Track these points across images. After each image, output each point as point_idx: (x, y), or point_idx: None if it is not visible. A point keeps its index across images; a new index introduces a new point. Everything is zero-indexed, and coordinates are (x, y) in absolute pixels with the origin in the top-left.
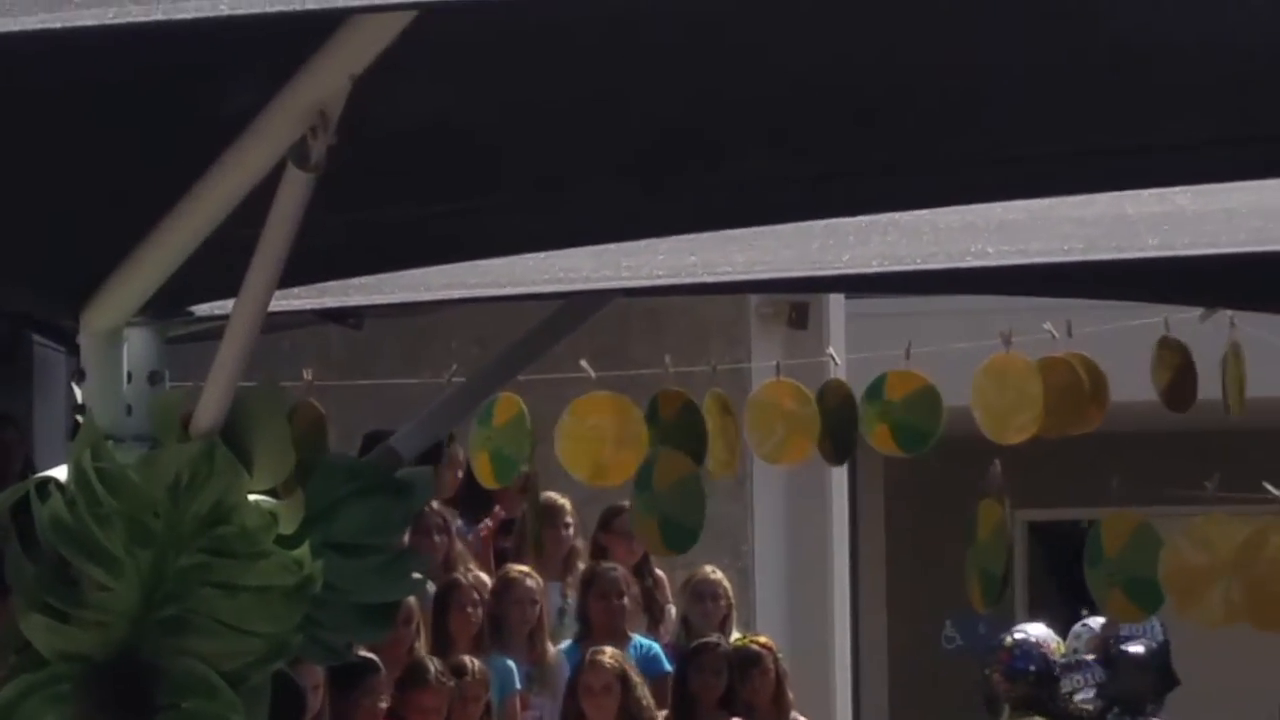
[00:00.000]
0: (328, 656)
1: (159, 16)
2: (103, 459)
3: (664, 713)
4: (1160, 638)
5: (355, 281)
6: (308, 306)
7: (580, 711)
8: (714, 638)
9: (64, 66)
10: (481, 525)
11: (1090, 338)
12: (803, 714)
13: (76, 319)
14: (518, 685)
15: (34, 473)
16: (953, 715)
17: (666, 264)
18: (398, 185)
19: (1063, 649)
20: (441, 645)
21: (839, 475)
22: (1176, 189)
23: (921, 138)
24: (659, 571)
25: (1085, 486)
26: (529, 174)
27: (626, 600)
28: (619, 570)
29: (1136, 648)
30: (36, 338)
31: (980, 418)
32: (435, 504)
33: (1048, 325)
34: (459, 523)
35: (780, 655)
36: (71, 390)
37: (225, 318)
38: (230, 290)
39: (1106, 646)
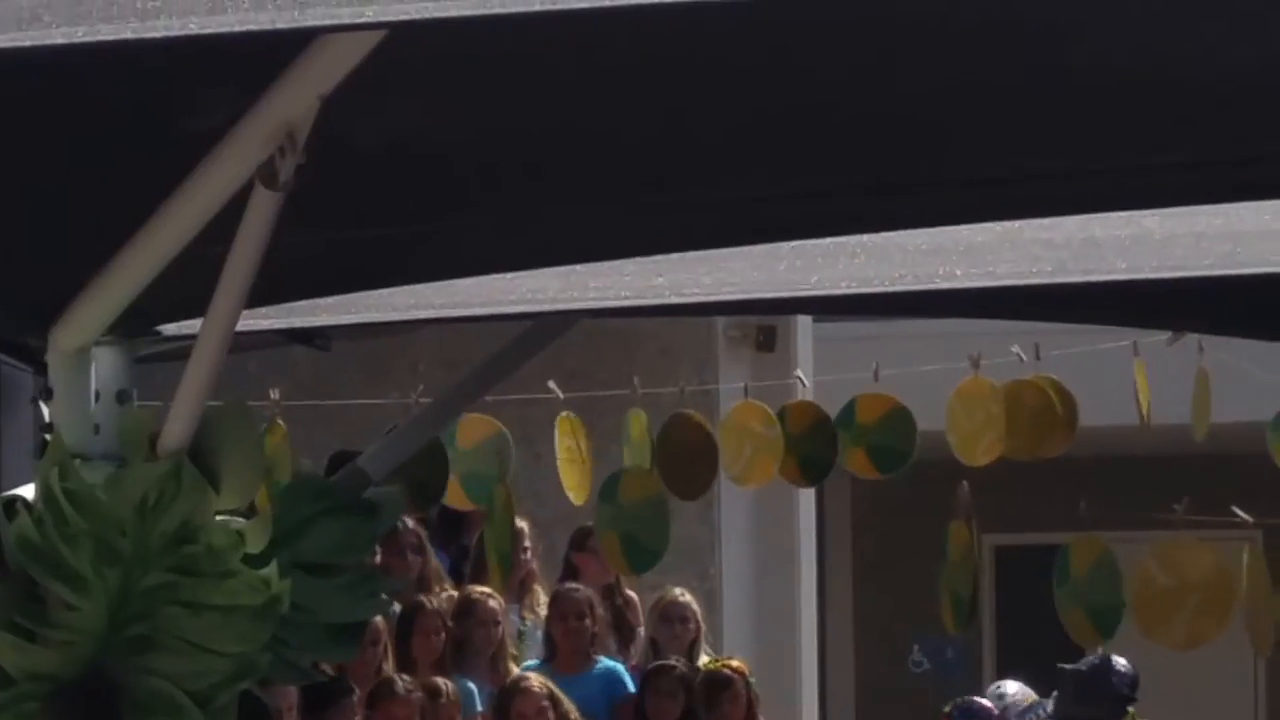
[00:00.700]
0: (295, 676)
1: (128, 35)
2: (70, 478)
3: None
4: (1098, 657)
5: (323, 301)
6: (275, 326)
7: None
8: (672, 660)
9: (33, 85)
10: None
11: (1058, 361)
12: None
13: (44, 338)
14: (479, 708)
15: (0, 491)
16: None
17: (634, 285)
18: (365, 205)
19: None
20: (403, 667)
21: (806, 497)
22: (1145, 212)
23: (890, 160)
24: (630, 593)
25: (1053, 511)
26: (496, 195)
27: (589, 621)
28: (581, 591)
29: (1076, 666)
30: (2, 356)
31: (953, 441)
32: (410, 523)
33: (1016, 349)
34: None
35: (753, 680)
36: (38, 409)
37: (193, 337)
38: (198, 309)
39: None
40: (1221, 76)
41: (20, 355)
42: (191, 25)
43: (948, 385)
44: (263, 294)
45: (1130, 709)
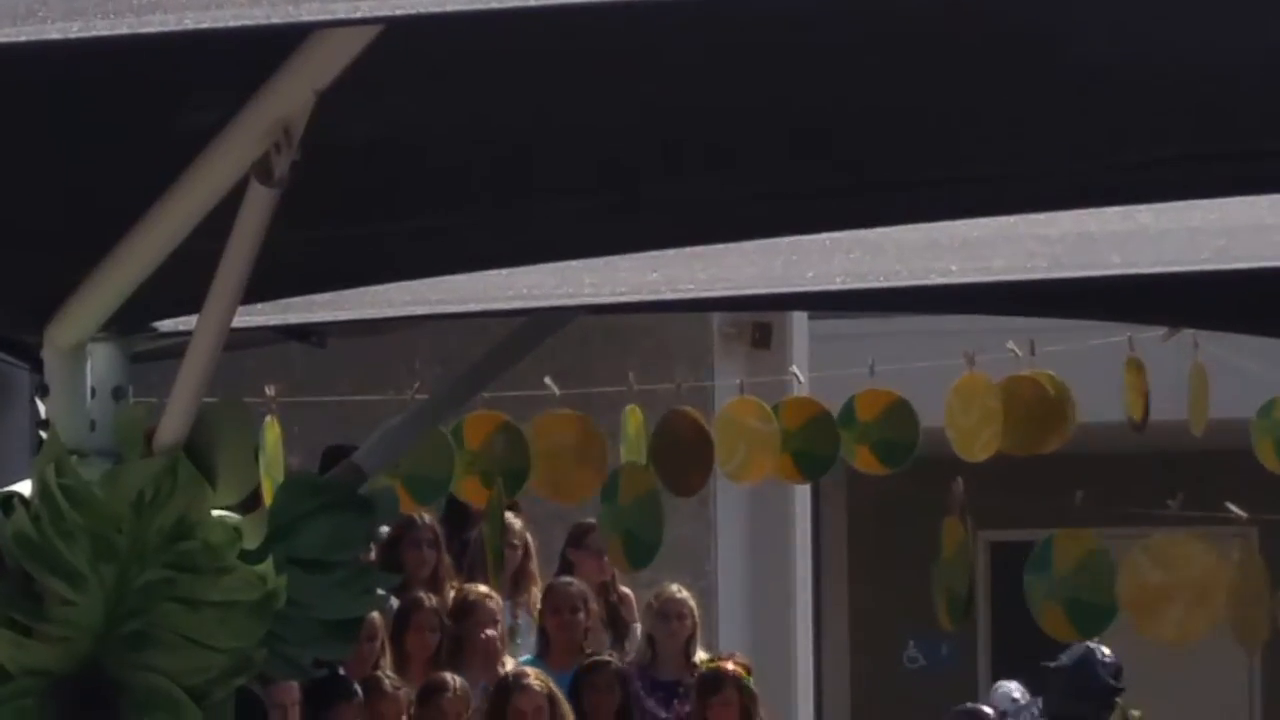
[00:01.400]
0: (291, 672)
1: (124, 31)
2: (66, 474)
3: None
4: (1081, 650)
5: (318, 298)
6: (271, 323)
7: None
8: (605, 655)
9: (29, 80)
10: None
11: (1053, 357)
12: None
13: (40, 334)
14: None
15: None
16: None
17: (629, 281)
18: (361, 202)
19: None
20: (398, 663)
21: (802, 494)
22: (1140, 207)
23: (886, 156)
24: (625, 589)
25: (1048, 507)
26: (492, 191)
27: (582, 615)
28: (575, 585)
29: (1058, 662)
30: None
31: (952, 436)
32: (426, 518)
33: (1011, 345)
34: None
35: (749, 679)
36: (35, 405)
37: (189, 333)
38: (194, 306)
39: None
40: (1217, 72)
41: (16, 352)
42: (187, 21)
43: (943, 381)
44: (258, 290)
45: (1118, 700)
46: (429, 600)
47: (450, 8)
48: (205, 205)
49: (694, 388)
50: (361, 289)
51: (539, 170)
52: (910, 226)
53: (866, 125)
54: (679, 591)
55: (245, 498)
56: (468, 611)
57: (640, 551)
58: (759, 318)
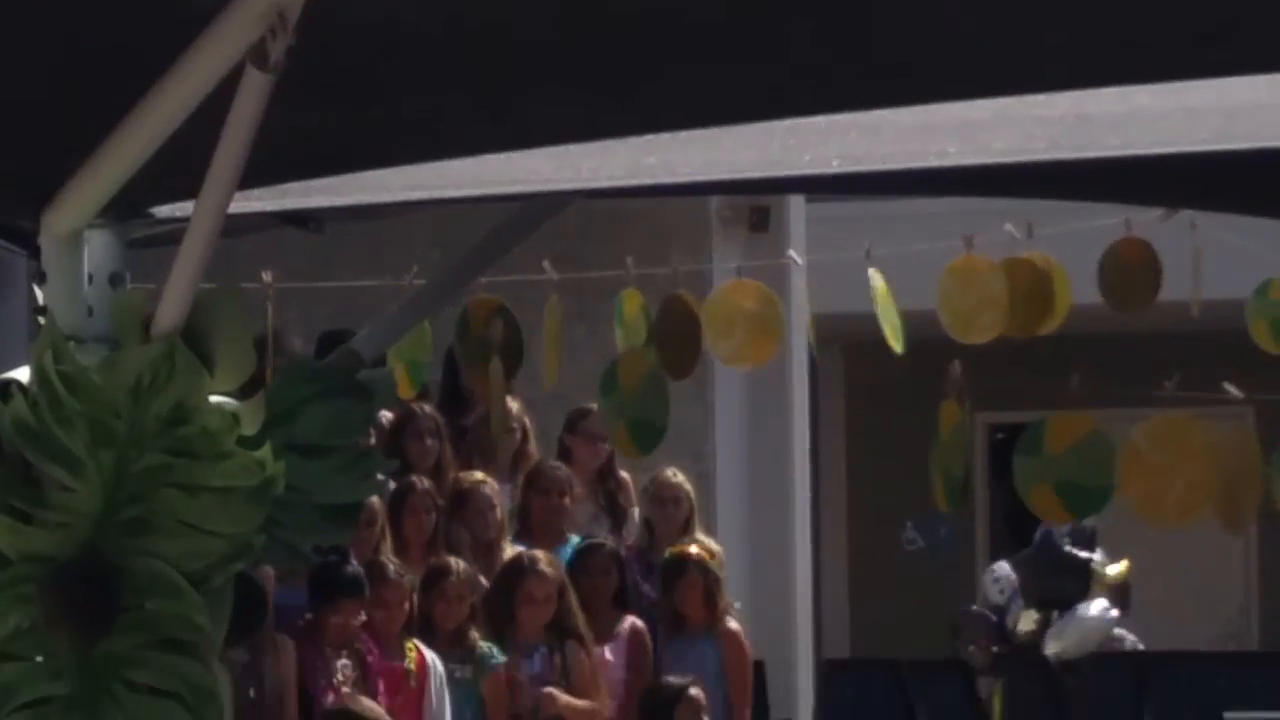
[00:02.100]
0: (290, 558)
1: None
2: (64, 360)
3: None
4: (1039, 533)
5: (315, 183)
6: (268, 208)
7: (513, 615)
8: (601, 538)
9: None
10: None
11: (1050, 239)
12: (764, 613)
13: (37, 221)
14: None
15: None
16: (911, 615)
17: (625, 165)
18: (358, 86)
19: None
20: (395, 548)
21: (800, 378)
22: (1138, 87)
23: (882, 37)
24: (623, 474)
25: (1044, 389)
26: (487, 75)
27: (567, 500)
28: (562, 469)
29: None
30: None
31: (945, 319)
32: (427, 408)
33: (1009, 226)
34: None
35: (713, 563)
36: (32, 292)
37: (186, 220)
38: (191, 192)
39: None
40: None
41: (14, 239)
42: None
43: (941, 264)
44: (255, 176)
45: (1093, 564)
46: (421, 483)
47: None
48: (201, 91)
49: (691, 271)
50: (359, 174)
51: (534, 54)
52: (907, 109)
53: (862, 6)
54: (674, 476)
55: (244, 384)
56: (465, 499)
57: (647, 436)
58: (756, 201)
